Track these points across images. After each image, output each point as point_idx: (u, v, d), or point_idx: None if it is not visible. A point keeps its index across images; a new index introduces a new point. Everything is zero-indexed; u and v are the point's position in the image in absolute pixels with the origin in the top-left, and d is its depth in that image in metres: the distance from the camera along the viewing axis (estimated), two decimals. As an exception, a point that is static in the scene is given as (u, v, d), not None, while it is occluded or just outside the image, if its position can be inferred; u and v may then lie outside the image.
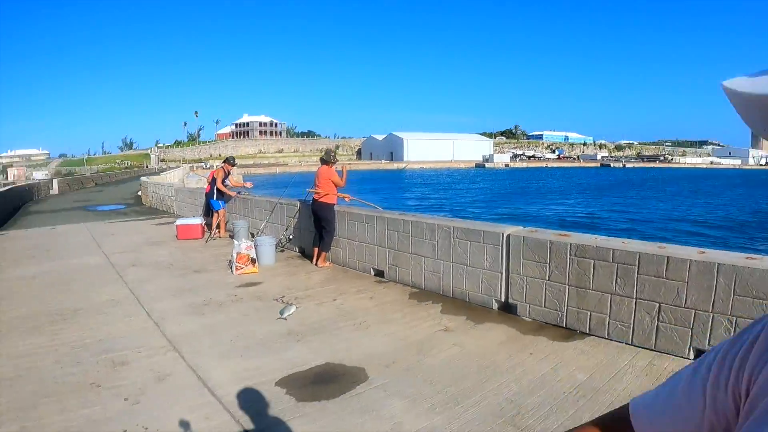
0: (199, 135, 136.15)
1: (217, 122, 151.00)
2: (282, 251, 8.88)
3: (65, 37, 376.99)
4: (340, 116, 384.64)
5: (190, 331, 5.09)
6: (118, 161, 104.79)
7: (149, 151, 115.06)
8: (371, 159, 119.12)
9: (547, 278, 4.83)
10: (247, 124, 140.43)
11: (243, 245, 7.50)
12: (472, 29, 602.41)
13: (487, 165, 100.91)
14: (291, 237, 9.00)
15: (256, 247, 7.79)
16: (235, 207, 11.55)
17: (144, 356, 4.41)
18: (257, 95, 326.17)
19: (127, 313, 5.70)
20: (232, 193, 11.16)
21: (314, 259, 7.88)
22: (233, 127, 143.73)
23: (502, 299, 5.29)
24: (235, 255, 7.44)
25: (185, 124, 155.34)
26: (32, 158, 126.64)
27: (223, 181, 10.88)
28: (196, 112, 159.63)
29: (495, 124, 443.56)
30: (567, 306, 4.71)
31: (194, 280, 7.17)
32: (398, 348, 4.50)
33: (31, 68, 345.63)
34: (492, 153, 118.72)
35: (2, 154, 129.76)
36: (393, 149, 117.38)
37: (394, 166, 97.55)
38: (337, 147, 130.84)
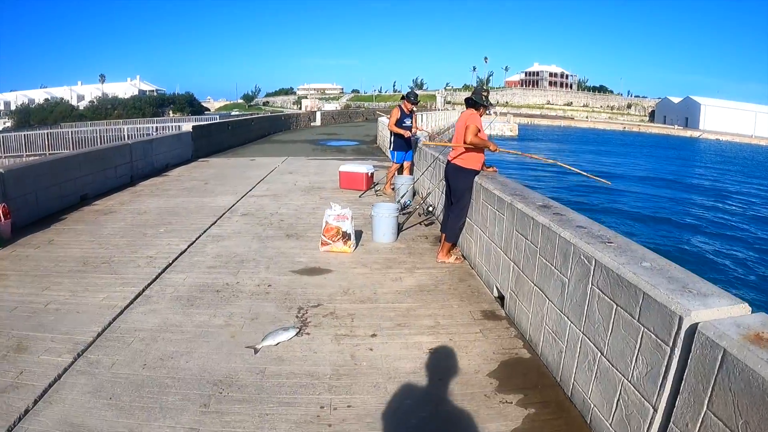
0: (488, 81, 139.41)
1: (506, 69, 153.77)
2: (428, 225, 6.69)
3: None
4: (635, 73, 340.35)
5: (122, 330, 3.77)
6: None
7: (437, 92, 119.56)
8: (664, 123, 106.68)
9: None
10: (537, 73, 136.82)
11: (333, 212, 5.49)
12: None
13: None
14: (431, 208, 6.72)
15: (371, 217, 5.93)
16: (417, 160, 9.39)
17: (40, 342, 3.56)
18: (549, 44, 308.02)
19: (127, 281, 4.69)
20: (406, 133, 8.69)
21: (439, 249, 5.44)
22: (522, 75, 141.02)
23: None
24: (323, 224, 5.54)
25: (474, 68, 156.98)
26: (326, 91, 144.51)
27: (398, 123, 8.65)
28: (485, 58, 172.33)
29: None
30: None
31: (266, 250, 5.70)
32: None
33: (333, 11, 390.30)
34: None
35: (300, 86, 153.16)
36: (689, 115, 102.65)
37: (687, 133, 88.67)
38: (629, 106, 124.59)
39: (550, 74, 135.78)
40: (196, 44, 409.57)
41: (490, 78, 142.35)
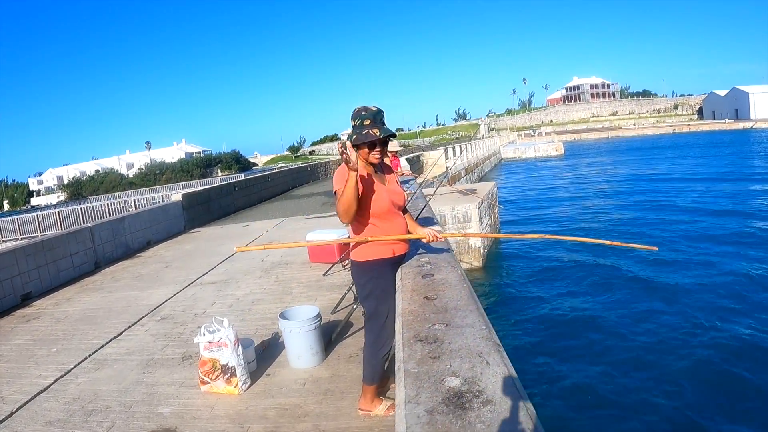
0: (530, 102, 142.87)
1: (546, 87, 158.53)
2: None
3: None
4: (676, 72, 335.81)
5: None
6: (448, 132, 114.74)
7: (480, 120, 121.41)
8: (714, 118, 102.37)
9: None
10: (578, 87, 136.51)
11: (204, 337, 3.74)
12: None
13: None
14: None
15: (282, 332, 4.12)
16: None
17: None
18: (586, 56, 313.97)
19: None
20: None
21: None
22: (563, 91, 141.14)
23: None
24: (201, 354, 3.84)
25: (514, 91, 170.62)
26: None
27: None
28: (524, 79, 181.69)
29: None
30: None
31: (136, 389, 4.10)
32: None
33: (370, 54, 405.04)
34: None
35: (343, 131, 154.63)
36: (737, 106, 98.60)
37: (739, 125, 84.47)
38: (676, 106, 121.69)
39: (591, 86, 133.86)
40: (238, 103, 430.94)
41: (531, 98, 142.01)
